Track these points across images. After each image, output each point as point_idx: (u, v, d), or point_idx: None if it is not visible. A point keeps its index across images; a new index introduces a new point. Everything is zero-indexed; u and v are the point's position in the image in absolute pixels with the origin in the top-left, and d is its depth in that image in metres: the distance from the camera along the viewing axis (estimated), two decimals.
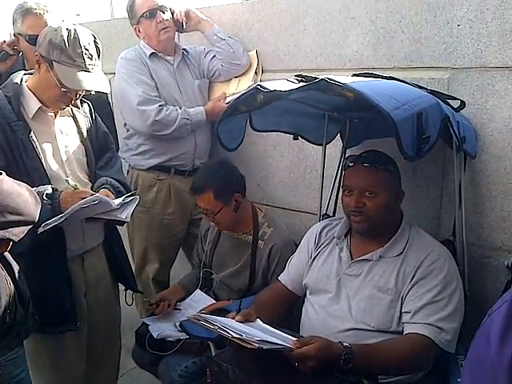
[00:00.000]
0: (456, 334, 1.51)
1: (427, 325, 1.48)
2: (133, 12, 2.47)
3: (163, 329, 2.07)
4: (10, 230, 1.26)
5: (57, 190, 1.66)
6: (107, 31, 3.10)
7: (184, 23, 2.50)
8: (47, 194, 1.60)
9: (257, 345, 1.30)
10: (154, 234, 2.58)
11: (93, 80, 1.68)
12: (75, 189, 1.71)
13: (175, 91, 2.49)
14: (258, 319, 1.62)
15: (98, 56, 1.71)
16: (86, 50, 1.65)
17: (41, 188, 1.59)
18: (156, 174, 2.53)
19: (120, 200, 1.71)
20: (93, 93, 1.79)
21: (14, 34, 2.30)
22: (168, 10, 2.46)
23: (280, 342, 1.37)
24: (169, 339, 2.01)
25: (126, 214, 1.72)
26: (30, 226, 1.33)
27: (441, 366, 1.57)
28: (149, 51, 2.49)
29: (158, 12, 2.41)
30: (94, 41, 1.70)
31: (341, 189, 1.96)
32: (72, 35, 1.64)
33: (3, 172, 1.26)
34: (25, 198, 1.28)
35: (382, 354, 1.46)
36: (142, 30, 2.47)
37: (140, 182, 2.54)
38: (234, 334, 1.36)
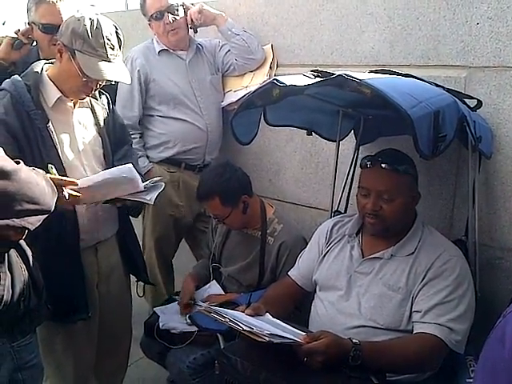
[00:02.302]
0: (466, 334, 1.50)
1: (437, 325, 1.48)
2: (144, 10, 2.49)
3: (172, 320, 2.09)
4: (25, 218, 1.27)
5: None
6: (123, 22, 3.09)
7: (198, 23, 2.48)
8: None
9: (267, 338, 1.31)
10: (161, 225, 2.59)
11: (114, 70, 1.69)
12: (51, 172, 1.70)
13: (187, 87, 2.50)
14: (267, 313, 1.62)
15: (120, 46, 1.72)
16: (108, 40, 1.66)
17: None
18: (167, 166, 2.54)
19: (146, 182, 1.73)
20: (113, 83, 1.79)
21: (28, 23, 2.32)
22: (179, 8, 2.44)
23: (290, 336, 1.38)
24: (173, 331, 2.03)
25: (150, 197, 1.73)
26: (46, 216, 1.34)
27: (449, 366, 1.57)
28: (159, 48, 2.50)
29: (166, 14, 2.41)
30: (116, 31, 1.71)
31: (354, 187, 1.95)
32: (95, 25, 1.64)
33: (21, 161, 1.27)
34: (42, 187, 1.29)
35: (391, 352, 1.46)
36: (153, 27, 2.49)
37: (151, 175, 2.55)
38: (244, 327, 1.37)
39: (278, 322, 1.53)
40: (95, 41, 1.64)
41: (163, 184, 1.80)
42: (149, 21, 2.49)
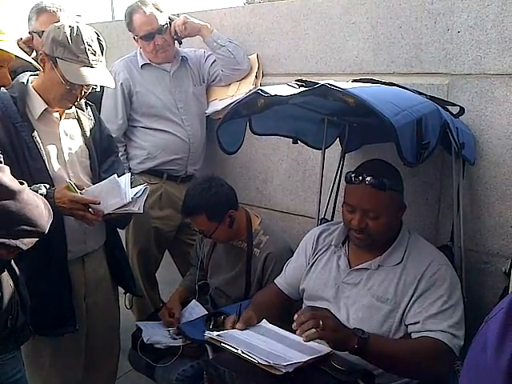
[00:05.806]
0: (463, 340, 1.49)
1: (440, 331, 1.46)
2: (131, 27, 2.47)
3: (156, 334, 2.07)
4: (21, 238, 1.26)
5: (49, 188, 1.65)
6: (108, 33, 3.09)
7: (183, 35, 2.48)
8: (41, 194, 1.60)
9: (284, 370, 1.30)
10: (143, 238, 2.58)
11: (97, 75, 1.68)
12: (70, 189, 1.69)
13: (169, 99, 2.49)
14: (264, 320, 1.62)
15: (102, 52, 1.71)
16: (89, 45, 1.66)
17: (34, 187, 1.58)
18: (148, 177, 2.52)
19: (132, 193, 1.73)
20: (98, 89, 1.79)
21: (29, 32, 2.39)
22: (166, 26, 2.42)
23: (305, 359, 1.37)
24: (157, 346, 2.01)
25: (138, 206, 1.74)
26: (39, 238, 1.33)
27: None
28: (142, 62, 2.50)
29: (156, 36, 2.40)
30: (98, 38, 1.71)
31: (340, 194, 1.95)
32: (75, 32, 1.64)
33: (25, 182, 1.27)
34: (40, 210, 1.28)
35: (398, 345, 1.46)
36: (139, 43, 2.48)
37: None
38: (259, 360, 1.35)
39: (278, 330, 1.54)
40: (76, 47, 1.64)
41: (148, 188, 1.79)
42: (136, 35, 2.47)
